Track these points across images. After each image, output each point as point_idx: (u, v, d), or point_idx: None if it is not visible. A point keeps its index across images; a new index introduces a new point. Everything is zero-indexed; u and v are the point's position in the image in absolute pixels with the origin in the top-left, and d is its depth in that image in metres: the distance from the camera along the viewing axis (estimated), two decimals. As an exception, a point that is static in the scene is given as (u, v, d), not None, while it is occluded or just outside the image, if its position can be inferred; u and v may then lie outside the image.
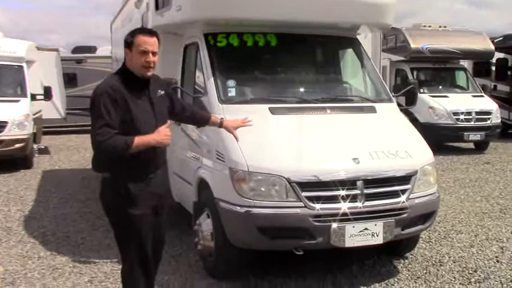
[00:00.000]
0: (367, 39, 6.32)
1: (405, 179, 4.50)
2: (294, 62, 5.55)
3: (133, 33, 3.39)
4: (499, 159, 12.19)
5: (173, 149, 5.85)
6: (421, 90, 13.15)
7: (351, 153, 4.42)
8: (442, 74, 14.67)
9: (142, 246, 3.49)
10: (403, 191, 4.47)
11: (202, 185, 4.93)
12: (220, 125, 4.12)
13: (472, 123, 12.85)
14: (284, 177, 4.19)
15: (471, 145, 13.74)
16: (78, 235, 6.24)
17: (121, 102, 3.27)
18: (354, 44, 5.82)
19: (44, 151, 13.19)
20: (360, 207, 4.28)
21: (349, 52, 5.89)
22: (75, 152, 13.82)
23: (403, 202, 4.44)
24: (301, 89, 5.35)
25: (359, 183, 4.30)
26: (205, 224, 4.72)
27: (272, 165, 4.25)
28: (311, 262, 4.90)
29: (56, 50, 14.02)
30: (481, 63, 16.06)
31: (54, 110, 13.35)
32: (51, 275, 4.96)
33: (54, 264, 5.22)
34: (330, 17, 5.32)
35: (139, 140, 3.27)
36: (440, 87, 14.21)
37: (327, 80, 5.76)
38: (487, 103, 13.40)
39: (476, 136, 12.87)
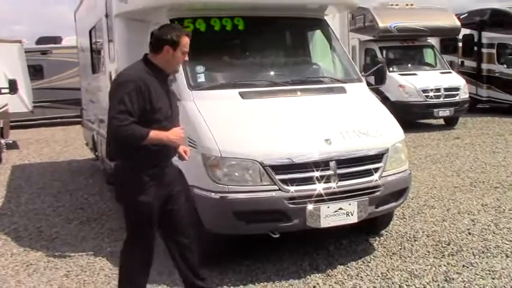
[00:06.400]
0: (335, 19, 6.31)
1: (377, 157, 4.54)
2: (262, 45, 5.52)
3: (178, 33, 3.55)
4: (468, 133, 12.44)
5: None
6: (391, 69, 13.30)
7: (322, 135, 4.43)
8: (410, 52, 14.83)
9: (148, 234, 3.61)
10: (376, 170, 4.51)
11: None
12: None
13: (441, 99, 13.06)
14: (257, 161, 4.18)
15: (441, 121, 13.98)
16: (52, 229, 6.14)
17: (145, 92, 3.38)
18: (322, 25, 5.80)
19: (13, 146, 12.93)
20: (334, 188, 4.30)
21: (318, 33, 5.88)
22: (45, 146, 13.60)
23: (376, 180, 4.48)
24: (271, 72, 5.31)
25: (332, 163, 4.31)
26: (181, 212, 4.68)
27: (245, 149, 4.23)
28: (288, 245, 4.93)
29: (19, 41, 13.70)
30: (448, 40, 16.28)
31: (20, 103, 13.09)
32: (26, 271, 4.88)
33: (28, 260, 5.13)
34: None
35: (153, 135, 3.38)
36: (409, 65, 14.36)
37: (297, 62, 5.74)
38: (455, 79, 13.61)
39: (445, 112, 13.10)
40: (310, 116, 4.67)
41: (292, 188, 4.21)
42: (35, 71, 17.15)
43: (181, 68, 4.87)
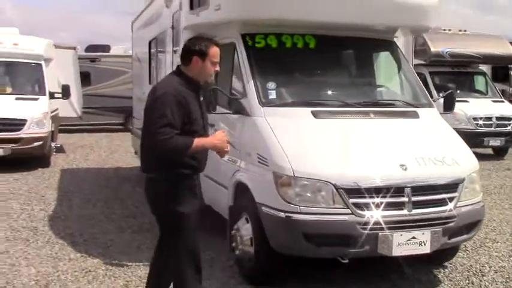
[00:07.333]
0: (399, 42, 6.19)
1: (452, 186, 4.39)
2: (333, 65, 5.46)
3: (206, 43, 3.52)
4: (519, 165, 12.05)
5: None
6: (440, 95, 12.99)
7: (398, 160, 4.31)
8: (461, 79, 14.46)
9: (193, 244, 3.57)
10: (451, 199, 4.36)
11: (240, 189, 4.82)
12: None
13: (492, 128, 12.70)
14: (331, 183, 4.08)
15: (489, 150, 13.58)
16: (106, 236, 6.14)
17: (184, 104, 3.39)
18: (392, 47, 5.72)
19: (60, 149, 13.13)
20: (408, 215, 4.17)
21: (388, 55, 5.78)
22: (90, 151, 13.78)
23: (451, 210, 4.32)
24: (343, 93, 5.23)
25: (407, 190, 4.18)
26: (245, 229, 4.60)
27: (318, 170, 4.14)
28: (350, 270, 4.79)
29: (74, 48, 14.01)
30: (499, 68, 15.91)
31: (70, 108, 13.29)
32: (85, 277, 4.86)
33: (86, 267, 5.12)
34: (370, 18, 5.19)
35: (197, 142, 3.39)
36: (460, 91, 14.01)
37: (367, 83, 5.65)
38: (508, 108, 13.24)
39: (496, 142, 12.72)
40: (384, 140, 4.55)
41: (365, 213, 4.09)
42: (83, 78, 17.45)
43: (252, 83, 4.88)
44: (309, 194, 4.12)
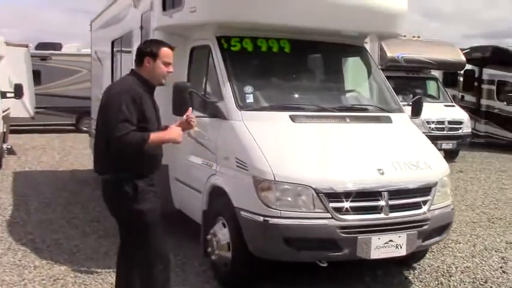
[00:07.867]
0: (367, 47, 6.30)
1: (426, 190, 4.51)
2: (307, 69, 5.51)
3: (157, 45, 3.66)
4: (470, 167, 12.54)
5: (175, 154, 5.65)
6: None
7: (375, 164, 4.38)
8: (414, 83, 14.85)
9: (157, 240, 3.60)
10: (424, 202, 4.47)
11: (216, 193, 4.77)
12: None
13: (445, 132, 13.15)
14: (311, 187, 4.09)
15: (441, 153, 14.03)
16: (70, 242, 5.93)
17: (138, 102, 3.45)
18: (363, 52, 5.81)
19: (11, 151, 12.60)
20: (385, 219, 4.24)
21: (359, 60, 5.86)
22: (43, 153, 13.32)
23: (425, 213, 4.43)
24: (319, 97, 5.26)
25: (384, 194, 4.25)
26: (222, 234, 4.55)
27: (299, 174, 4.15)
28: (324, 273, 4.83)
29: (26, 45, 13.48)
30: (449, 74, 16.50)
31: (22, 108, 12.82)
32: (54, 286, 4.69)
33: (53, 274, 4.93)
34: (342, 24, 5.26)
35: (154, 136, 3.45)
36: (413, 96, 14.41)
37: (342, 88, 5.71)
38: (459, 113, 13.76)
39: (448, 145, 13.18)
40: (361, 144, 4.62)
41: (345, 217, 4.13)
42: (33, 76, 16.86)
43: (228, 87, 4.84)
44: (289, 199, 4.12)
